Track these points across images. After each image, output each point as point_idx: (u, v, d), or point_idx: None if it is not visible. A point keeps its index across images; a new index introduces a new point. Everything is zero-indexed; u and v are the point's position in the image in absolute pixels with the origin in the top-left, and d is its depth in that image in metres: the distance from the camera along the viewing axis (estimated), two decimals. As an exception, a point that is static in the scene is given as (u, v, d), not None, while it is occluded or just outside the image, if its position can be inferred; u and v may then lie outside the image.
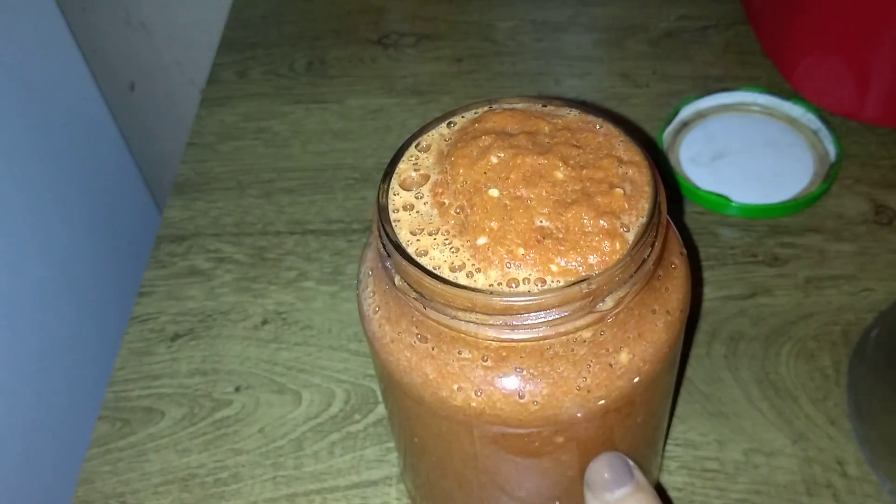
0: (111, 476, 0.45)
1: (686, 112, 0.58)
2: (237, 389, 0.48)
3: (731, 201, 0.52)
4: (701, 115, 0.58)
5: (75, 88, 0.81)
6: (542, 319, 0.28)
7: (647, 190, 0.30)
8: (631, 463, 0.32)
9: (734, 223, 0.53)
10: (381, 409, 0.46)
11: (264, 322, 0.51)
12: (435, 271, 0.28)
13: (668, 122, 0.57)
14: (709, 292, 0.49)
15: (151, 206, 0.92)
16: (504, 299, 0.27)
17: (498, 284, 0.28)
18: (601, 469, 0.31)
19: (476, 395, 0.29)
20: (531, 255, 0.28)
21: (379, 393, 0.47)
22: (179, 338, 0.51)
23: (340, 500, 0.43)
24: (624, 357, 0.29)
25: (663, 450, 0.43)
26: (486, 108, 0.33)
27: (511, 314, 0.28)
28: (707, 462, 0.43)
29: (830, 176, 0.53)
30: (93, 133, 0.84)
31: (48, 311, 0.66)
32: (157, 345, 0.51)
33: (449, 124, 0.33)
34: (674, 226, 0.33)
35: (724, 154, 0.55)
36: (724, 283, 0.50)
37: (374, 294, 0.32)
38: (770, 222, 0.52)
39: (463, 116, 0.33)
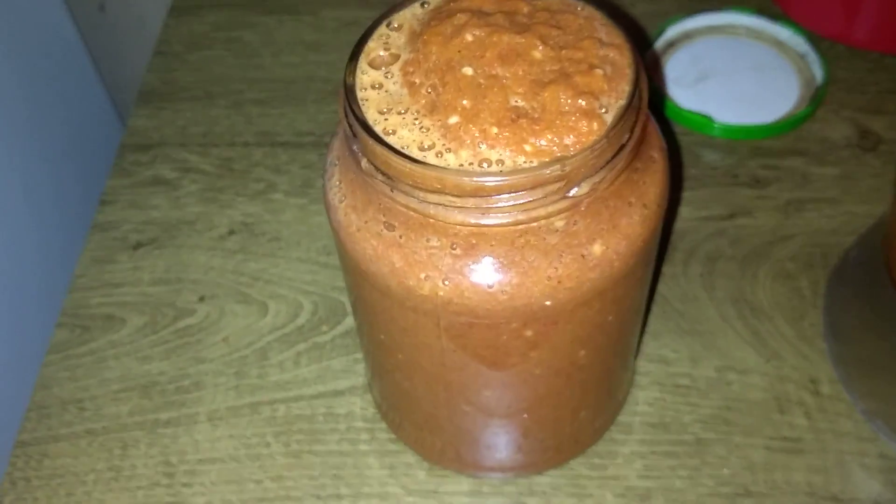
0: (69, 382, 0.44)
1: (672, 32, 0.56)
2: (201, 299, 0.47)
3: (714, 122, 0.51)
4: (687, 36, 0.56)
5: (44, 8, 0.78)
6: (514, 203, 0.27)
7: (628, 73, 0.28)
8: None
9: (717, 144, 0.51)
10: (349, 322, 0.45)
11: (231, 233, 0.49)
12: (403, 150, 0.27)
13: (653, 42, 0.55)
14: (688, 212, 0.48)
15: (118, 125, 0.90)
16: (474, 179, 0.26)
17: (469, 164, 0.27)
18: None
19: (444, 283, 0.28)
20: (504, 135, 0.27)
21: (348, 305, 0.46)
22: (142, 246, 0.49)
23: (305, 409, 0.42)
24: (597, 248, 0.28)
25: (634, 365, 0.42)
26: (462, -11, 0.31)
27: (482, 196, 0.26)
28: (679, 378, 0.42)
29: (816, 99, 0.52)
30: (61, 52, 0.81)
31: (8, 220, 0.65)
32: (120, 253, 0.49)
33: (423, 3, 0.31)
34: (654, 120, 0.32)
35: (709, 75, 0.54)
36: (704, 203, 0.49)
37: (340, 183, 0.31)
38: (753, 144, 0.51)
39: (437, -4, 0.31)
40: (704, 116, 0.51)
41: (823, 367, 0.42)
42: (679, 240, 0.47)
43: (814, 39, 0.55)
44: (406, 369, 0.34)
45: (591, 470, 0.40)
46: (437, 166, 0.26)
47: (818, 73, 0.53)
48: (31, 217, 0.67)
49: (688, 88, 0.53)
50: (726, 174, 0.50)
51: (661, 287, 0.45)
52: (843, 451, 0.40)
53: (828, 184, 0.49)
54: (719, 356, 0.43)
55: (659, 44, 0.55)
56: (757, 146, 0.51)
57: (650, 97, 0.29)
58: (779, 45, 0.55)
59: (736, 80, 0.54)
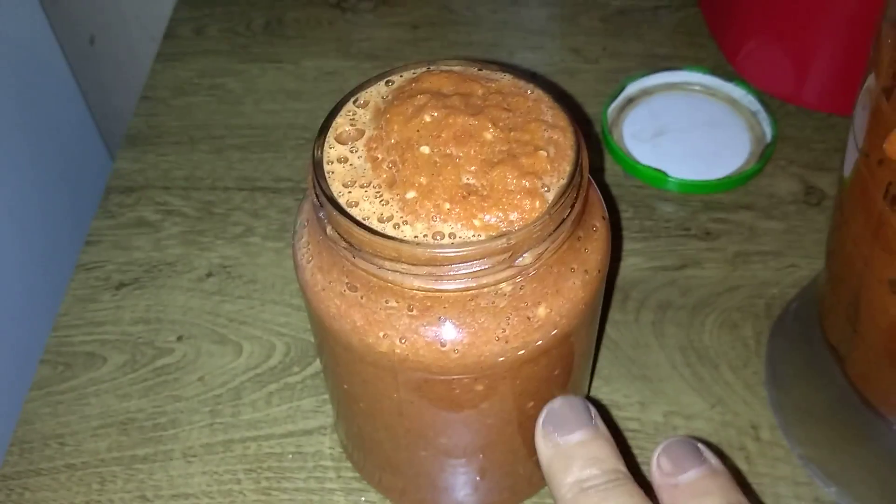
0: (51, 418, 0.46)
1: (632, 89, 0.59)
2: (179, 339, 0.49)
3: (669, 177, 0.54)
4: (646, 93, 0.59)
5: (34, 41, 0.80)
6: (465, 271, 0.29)
7: (570, 154, 0.31)
8: (592, 409, 0.32)
9: (671, 198, 0.54)
10: (319, 364, 0.48)
11: (209, 275, 0.52)
12: (364, 222, 0.30)
13: (614, 97, 0.58)
14: (641, 262, 0.51)
15: (107, 160, 0.92)
16: (428, 250, 0.29)
17: (424, 236, 0.29)
18: (561, 406, 0.31)
19: (401, 342, 0.31)
20: (456, 210, 0.30)
21: (318, 347, 0.48)
22: (124, 287, 0.52)
23: (275, 448, 0.44)
24: (542, 311, 0.31)
25: (587, 408, 0.45)
26: (424, 69, 0.34)
27: (435, 265, 0.29)
28: (629, 422, 0.45)
29: (765, 156, 0.55)
30: (51, 85, 0.83)
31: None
32: (102, 293, 0.51)
33: (387, 82, 0.34)
34: (598, 192, 0.35)
35: (665, 131, 0.57)
36: (657, 254, 0.52)
37: (308, 244, 0.33)
38: (705, 198, 0.54)
39: (401, 76, 0.34)
40: (660, 172, 0.54)
41: (764, 414, 0.45)
42: (632, 288, 0.50)
43: (765, 99, 0.58)
44: (367, 416, 0.36)
45: (543, 509, 0.42)
46: (394, 238, 0.29)
47: (768, 131, 0.56)
48: (20, 254, 0.69)
49: (645, 143, 0.56)
50: (679, 226, 0.53)
51: (614, 333, 0.48)
52: (780, 494, 0.43)
53: (774, 237, 0.52)
54: (667, 401, 0.46)
55: (619, 99, 0.58)
56: (708, 200, 0.54)
57: (594, 173, 0.32)
58: (732, 102, 0.59)
59: (691, 135, 0.57)
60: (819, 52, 0.56)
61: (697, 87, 0.60)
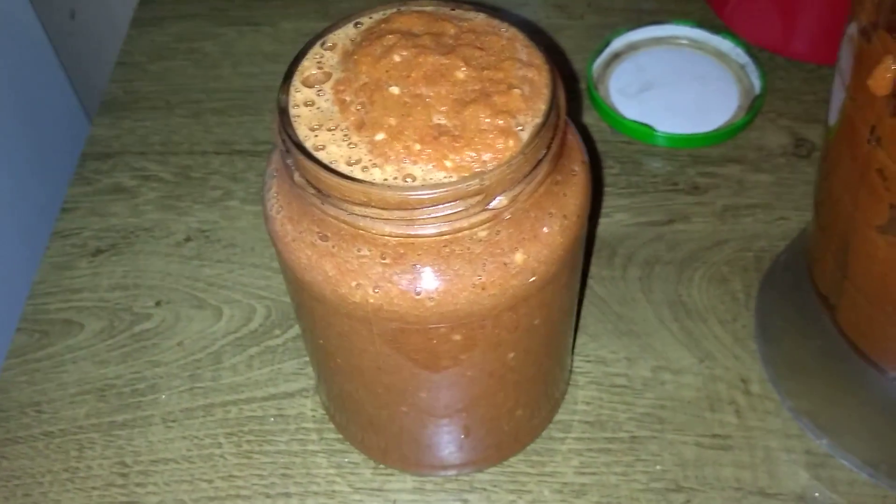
0: (27, 385, 0.45)
1: (617, 44, 0.58)
2: (158, 304, 0.48)
3: (656, 131, 0.53)
4: (632, 48, 0.58)
5: (14, 15, 0.78)
6: (437, 215, 0.28)
7: (546, 92, 0.30)
8: None
9: (658, 153, 0.53)
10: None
11: (187, 239, 0.51)
12: (331, 165, 0.28)
13: (599, 53, 0.57)
14: (628, 218, 0.50)
15: (88, 132, 0.91)
16: (398, 192, 0.28)
17: (394, 179, 0.28)
18: None
19: (374, 291, 0.30)
20: (427, 151, 0.29)
21: (299, 309, 0.47)
22: (101, 253, 0.50)
23: (256, 411, 0.44)
24: (519, 257, 0.30)
25: (572, 364, 0.44)
26: (394, 10, 0.33)
27: (406, 208, 0.28)
28: (616, 378, 0.44)
29: (754, 108, 0.54)
30: (32, 60, 0.82)
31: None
32: (79, 259, 0.50)
33: (356, 24, 0.33)
34: (578, 136, 0.34)
35: (652, 86, 0.56)
36: (644, 209, 0.51)
37: (277, 195, 0.32)
38: (693, 152, 0.53)
39: (371, 17, 0.33)
40: (647, 126, 0.53)
41: (754, 368, 0.44)
42: (619, 244, 0.49)
43: (753, 51, 0.57)
44: (346, 373, 0.35)
45: (529, 467, 0.41)
46: (362, 181, 0.28)
47: (757, 83, 0.55)
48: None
49: (632, 98, 0.55)
50: (666, 181, 0.52)
51: (601, 290, 0.47)
52: (771, 447, 0.42)
53: (763, 190, 0.51)
54: (655, 357, 0.45)
55: (605, 55, 0.57)
56: (696, 154, 0.53)
57: (573, 119, 0.31)
58: (720, 55, 0.57)
59: (678, 89, 0.56)
60: (807, 3, 0.55)
61: (684, 41, 0.58)
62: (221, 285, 0.49)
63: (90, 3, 0.91)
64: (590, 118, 0.55)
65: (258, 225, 0.51)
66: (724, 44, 0.57)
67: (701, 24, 0.58)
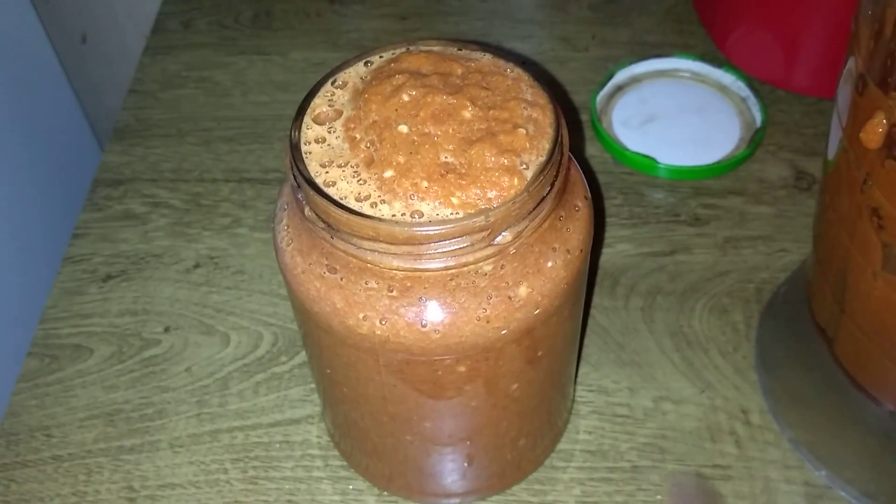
0: (38, 410, 0.46)
1: (621, 76, 0.59)
2: (166, 330, 0.49)
3: (658, 163, 0.53)
4: (635, 80, 0.59)
5: (26, 40, 0.80)
6: (444, 250, 0.29)
7: (549, 131, 0.31)
8: None
9: (661, 184, 0.54)
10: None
11: (196, 266, 0.52)
12: (341, 201, 0.29)
13: (602, 85, 0.58)
14: (631, 248, 0.51)
15: (99, 157, 0.92)
16: (406, 228, 0.28)
17: (402, 215, 0.29)
18: None
19: (381, 323, 0.31)
20: (434, 189, 0.29)
21: (306, 336, 0.48)
22: (111, 279, 0.51)
23: (262, 437, 0.44)
24: (523, 291, 0.31)
25: (574, 393, 0.45)
26: (403, 50, 0.34)
27: (413, 244, 0.29)
28: (618, 408, 0.45)
29: (755, 141, 0.55)
30: (43, 84, 0.83)
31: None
32: (89, 285, 0.51)
33: (366, 63, 0.34)
34: (581, 172, 0.34)
35: (655, 118, 0.57)
36: (647, 240, 0.51)
37: (287, 227, 0.33)
38: (695, 184, 0.54)
39: (381, 56, 0.34)
40: (649, 158, 0.53)
41: (754, 398, 0.45)
42: (621, 275, 0.50)
43: (755, 84, 0.58)
44: (352, 402, 0.36)
45: (531, 496, 0.42)
46: (371, 217, 0.29)
47: (758, 116, 0.56)
48: (8, 247, 0.69)
49: (635, 130, 0.56)
50: (668, 212, 0.53)
51: (603, 320, 0.48)
52: (770, 478, 0.42)
53: (763, 222, 0.52)
54: (656, 387, 0.45)
55: (608, 87, 0.58)
56: (698, 186, 0.54)
57: (576, 151, 0.32)
58: (722, 88, 0.58)
59: (680, 122, 0.57)
60: (808, 37, 0.56)
61: (687, 74, 0.59)
62: (229, 312, 0.49)
63: (102, 27, 0.93)
64: (593, 149, 0.56)
65: (266, 252, 0.52)
66: (725, 77, 0.58)
67: (703, 58, 0.59)
